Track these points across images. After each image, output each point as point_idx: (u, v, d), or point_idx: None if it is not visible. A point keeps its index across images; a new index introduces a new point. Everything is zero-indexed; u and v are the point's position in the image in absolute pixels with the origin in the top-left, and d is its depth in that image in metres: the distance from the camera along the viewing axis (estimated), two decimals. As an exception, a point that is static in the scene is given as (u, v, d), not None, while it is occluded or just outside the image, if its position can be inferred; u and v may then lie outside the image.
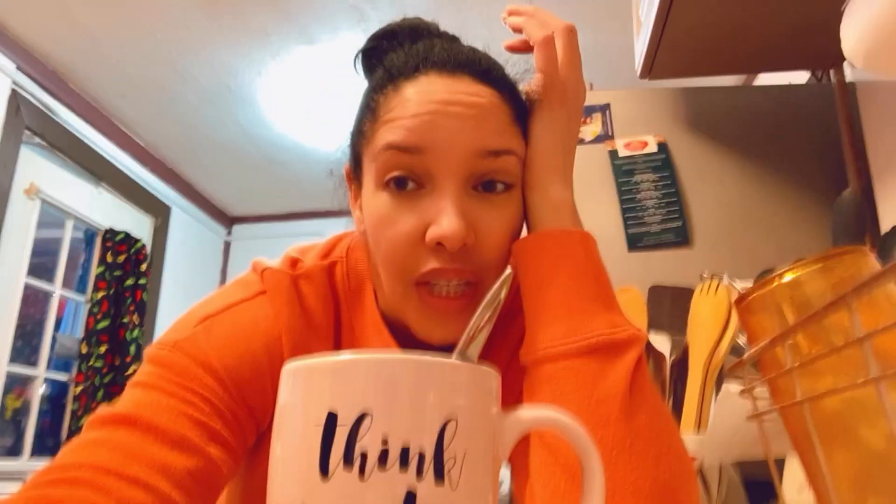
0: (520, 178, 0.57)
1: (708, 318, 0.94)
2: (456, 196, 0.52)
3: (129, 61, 2.75)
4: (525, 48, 0.61)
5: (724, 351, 0.89)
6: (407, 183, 0.53)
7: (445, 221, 0.50)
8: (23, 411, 2.86)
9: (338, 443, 0.28)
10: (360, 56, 0.64)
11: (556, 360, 0.48)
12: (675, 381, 0.95)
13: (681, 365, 0.95)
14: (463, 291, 0.53)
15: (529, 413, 0.33)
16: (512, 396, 0.57)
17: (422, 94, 0.54)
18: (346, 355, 0.29)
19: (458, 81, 0.55)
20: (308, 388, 0.30)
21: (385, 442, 0.28)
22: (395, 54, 0.59)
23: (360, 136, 0.59)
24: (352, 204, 0.64)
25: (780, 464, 0.80)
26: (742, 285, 0.98)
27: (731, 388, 0.79)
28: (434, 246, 0.52)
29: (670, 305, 1.05)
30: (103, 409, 0.49)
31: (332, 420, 0.28)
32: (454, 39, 0.63)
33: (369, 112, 0.58)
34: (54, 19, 2.48)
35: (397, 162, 0.53)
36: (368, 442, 0.28)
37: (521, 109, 0.58)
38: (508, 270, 0.32)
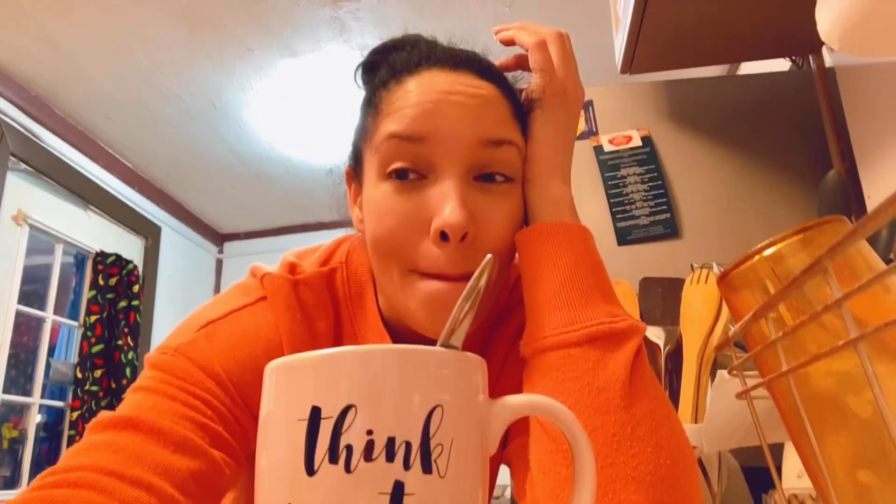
0: (520, 172, 0.57)
1: (700, 307, 0.94)
2: (458, 185, 0.52)
3: (112, 83, 2.74)
4: (518, 65, 0.63)
5: (717, 339, 0.89)
6: (408, 174, 0.54)
7: (448, 210, 0.51)
8: (19, 440, 2.83)
9: (322, 437, 0.28)
10: (360, 69, 0.65)
11: (557, 349, 0.49)
12: (670, 373, 0.95)
13: (675, 356, 0.95)
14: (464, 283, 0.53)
15: (517, 399, 0.32)
16: (511, 388, 0.56)
17: (424, 85, 0.55)
18: (327, 350, 0.29)
19: (459, 75, 0.56)
20: (290, 384, 0.30)
21: (370, 433, 0.27)
22: (398, 54, 0.60)
23: (361, 132, 0.60)
24: (350, 205, 0.64)
25: (780, 450, 0.80)
26: (732, 273, 0.98)
27: (726, 375, 0.79)
28: (437, 237, 0.52)
29: (662, 297, 1.05)
30: (105, 414, 0.49)
31: (315, 415, 0.28)
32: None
33: (371, 107, 0.58)
34: (34, 44, 2.48)
35: (399, 151, 0.54)
36: (353, 435, 0.27)
37: (519, 108, 0.59)
38: (489, 256, 0.32)
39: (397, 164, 0.54)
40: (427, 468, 0.28)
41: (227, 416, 0.52)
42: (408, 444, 0.28)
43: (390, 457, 0.27)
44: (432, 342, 0.62)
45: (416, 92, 0.54)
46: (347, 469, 0.27)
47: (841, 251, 0.21)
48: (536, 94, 0.59)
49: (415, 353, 0.29)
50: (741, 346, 0.94)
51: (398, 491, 0.27)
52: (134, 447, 0.46)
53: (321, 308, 0.61)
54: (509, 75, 0.62)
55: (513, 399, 0.32)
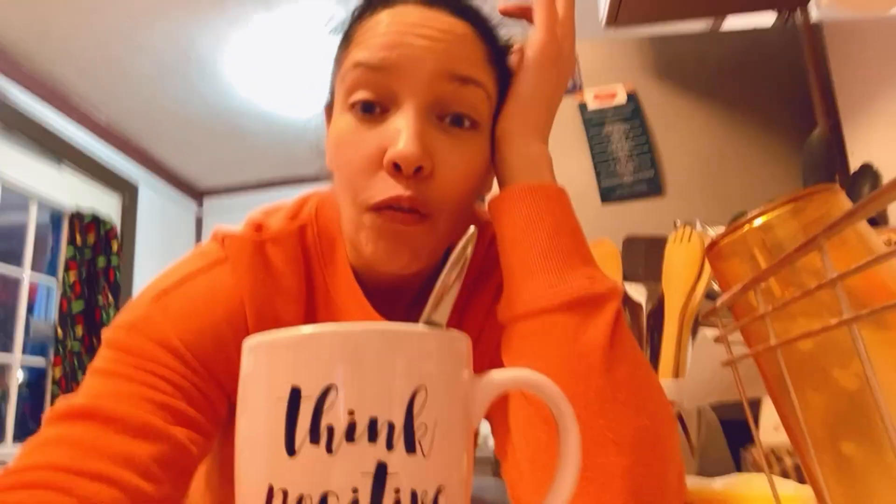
0: (487, 119, 0.56)
1: (682, 266, 0.94)
2: (416, 118, 0.51)
3: (82, 36, 2.64)
4: (519, 13, 0.60)
5: (699, 298, 0.89)
6: (372, 106, 0.53)
7: (402, 142, 0.49)
8: (1, 399, 2.82)
9: (303, 418, 0.27)
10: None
11: (536, 315, 0.48)
12: (651, 330, 0.95)
13: (657, 314, 0.95)
14: (416, 220, 0.52)
15: (501, 375, 0.32)
16: (489, 353, 0.56)
17: (396, 17, 0.54)
18: (307, 328, 0.28)
19: (435, 11, 0.54)
20: (270, 363, 0.29)
21: (352, 414, 0.27)
22: None
23: (334, 64, 0.59)
24: (327, 140, 0.62)
25: (757, 404, 0.81)
26: (715, 231, 0.98)
27: (708, 333, 0.80)
28: (391, 169, 0.50)
29: (645, 256, 1.05)
30: (61, 403, 0.47)
31: (296, 395, 0.27)
32: None
33: (344, 39, 0.57)
34: (-2, -5, 2.38)
35: (363, 80, 0.52)
36: (334, 415, 0.27)
37: (497, 53, 0.57)
38: (472, 229, 0.31)
39: (360, 94, 0.53)
40: (410, 448, 0.27)
41: (189, 391, 0.50)
42: (391, 425, 0.27)
43: (373, 437, 0.27)
44: (406, 290, 0.62)
45: (386, 23, 0.53)
46: (329, 449, 0.27)
47: (838, 232, 0.20)
48: (532, 50, 0.57)
49: (397, 333, 0.28)
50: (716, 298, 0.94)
51: (381, 471, 0.27)
52: (91, 439, 0.44)
53: (292, 265, 0.59)
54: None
55: (497, 374, 0.32)
